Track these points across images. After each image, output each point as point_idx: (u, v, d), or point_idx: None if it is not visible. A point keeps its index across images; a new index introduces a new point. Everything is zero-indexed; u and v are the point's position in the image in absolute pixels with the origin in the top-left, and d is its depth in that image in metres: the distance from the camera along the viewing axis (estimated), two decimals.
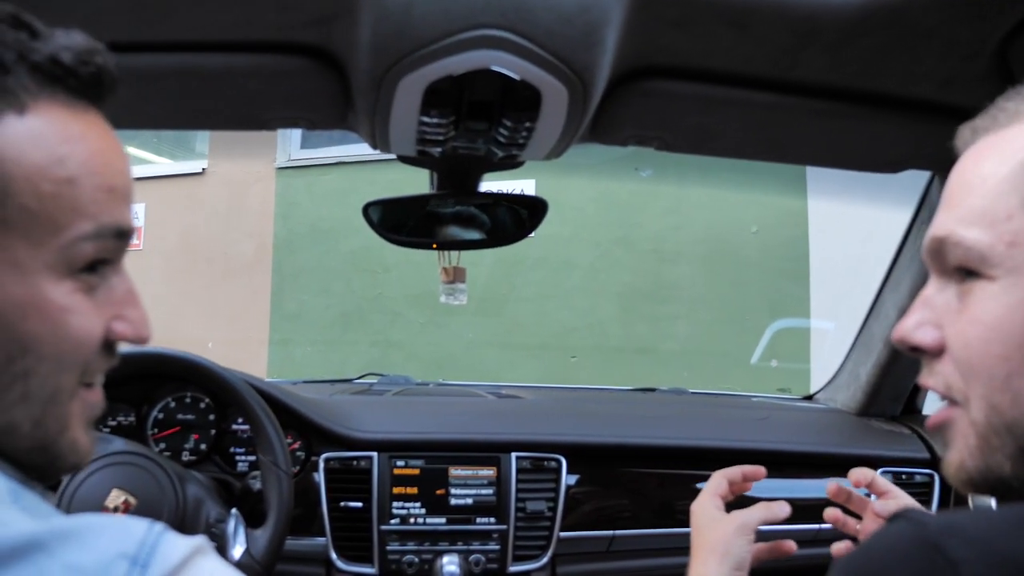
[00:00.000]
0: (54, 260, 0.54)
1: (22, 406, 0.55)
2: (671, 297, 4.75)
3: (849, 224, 3.87)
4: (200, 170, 6.21)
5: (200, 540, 0.55)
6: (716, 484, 1.08)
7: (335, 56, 0.92)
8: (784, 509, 1.03)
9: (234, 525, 1.21)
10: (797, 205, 4.27)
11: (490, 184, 1.25)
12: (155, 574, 0.50)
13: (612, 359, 4.81)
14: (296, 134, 5.83)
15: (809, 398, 1.88)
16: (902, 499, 1.02)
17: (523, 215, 1.29)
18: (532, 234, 1.32)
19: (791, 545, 1.07)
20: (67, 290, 0.55)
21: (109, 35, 0.87)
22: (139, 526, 0.52)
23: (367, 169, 5.22)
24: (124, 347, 0.62)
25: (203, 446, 1.46)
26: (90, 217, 0.55)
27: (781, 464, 1.53)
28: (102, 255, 0.57)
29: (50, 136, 0.54)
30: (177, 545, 0.52)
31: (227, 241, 6.06)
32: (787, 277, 4.39)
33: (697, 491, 1.52)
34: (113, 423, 1.44)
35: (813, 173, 3.97)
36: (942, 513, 0.50)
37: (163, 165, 6.55)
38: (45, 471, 0.60)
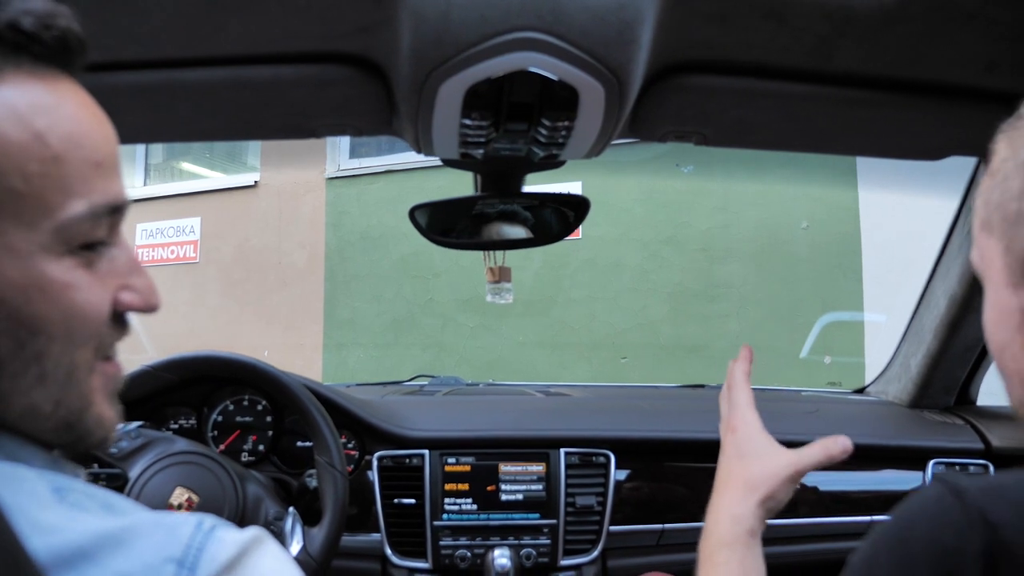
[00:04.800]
0: (50, 241, 0.52)
1: (40, 388, 0.54)
2: (722, 296, 4.72)
3: (902, 217, 3.80)
4: (252, 183, 6.34)
5: (253, 533, 0.55)
6: (750, 396, 0.95)
7: (378, 64, 0.94)
8: (845, 444, 0.90)
9: (291, 523, 1.24)
10: (848, 199, 4.22)
11: (536, 186, 1.26)
12: (204, 572, 0.50)
13: (663, 359, 4.80)
14: (345, 144, 5.93)
15: (860, 391, 1.86)
16: None
17: (566, 213, 1.30)
18: (579, 235, 1.33)
19: (846, 446, 0.90)
20: (67, 267, 0.53)
21: (163, 52, 0.92)
22: (187, 526, 0.52)
23: (415, 176, 5.30)
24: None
25: (261, 447, 1.51)
26: (82, 196, 0.53)
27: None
28: (98, 234, 0.55)
29: (23, 108, 0.51)
30: (226, 543, 0.52)
31: (280, 251, 6.19)
32: (839, 272, 4.34)
33: None
34: (175, 426, 1.49)
35: (864, 165, 3.91)
36: (979, 476, 0.50)
37: (217, 179, 6.72)
38: (74, 449, 0.59)
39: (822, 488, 1.53)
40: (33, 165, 0.51)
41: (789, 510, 1.51)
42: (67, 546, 0.48)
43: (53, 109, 0.52)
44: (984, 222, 0.62)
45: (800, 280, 4.48)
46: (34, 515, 0.49)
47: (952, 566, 0.46)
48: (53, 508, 0.51)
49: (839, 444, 0.89)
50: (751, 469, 0.88)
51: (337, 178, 5.96)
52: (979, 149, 1.14)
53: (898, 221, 3.86)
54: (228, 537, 0.53)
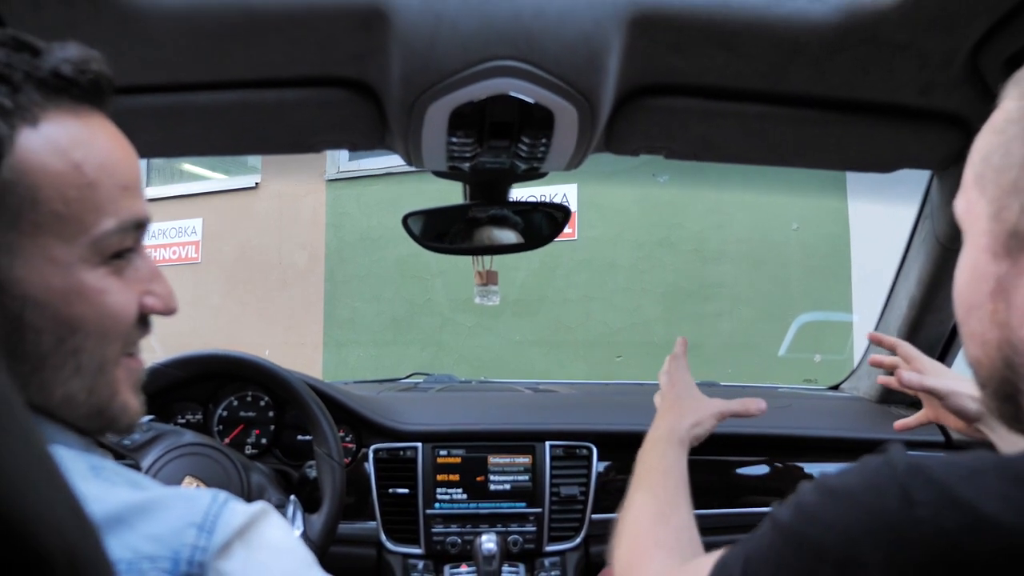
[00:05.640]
0: (86, 253, 0.60)
1: (76, 379, 0.62)
2: (714, 296, 4.79)
3: (890, 220, 3.88)
4: (254, 184, 6.40)
5: (260, 506, 0.64)
6: (687, 367, 1.25)
7: (371, 87, 1.03)
8: (760, 405, 1.14)
9: (293, 510, 1.33)
10: (837, 201, 4.29)
11: (533, 190, 1.34)
12: (220, 537, 0.59)
13: (657, 358, 4.81)
14: None
15: (835, 388, 1.95)
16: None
17: (555, 218, 1.38)
18: (575, 236, 1.41)
19: (760, 406, 1.15)
20: (101, 275, 0.61)
21: (176, 77, 1.01)
22: (205, 497, 0.61)
23: (413, 179, 5.37)
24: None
25: (263, 440, 1.59)
26: (112, 214, 0.61)
27: (801, 449, 1.61)
28: (126, 245, 0.63)
29: (64, 143, 0.59)
30: (238, 512, 0.61)
31: (281, 252, 6.25)
32: (828, 273, 4.41)
33: (723, 474, 1.62)
34: (182, 420, 1.58)
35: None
36: (917, 455, 0.56)
37: (218, 181, 6.78)
38: (103, 433, 0.68)
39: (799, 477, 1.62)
40: (72, 191, 0.59)
41: (780, 495, 1.60)
42: (107, 513, 0.57)
43: (88, 142, 0.61)
44: (978, 177, 0.60)
45: (790, 281, 4.56)
46: (77, 487, 0.57)
47: (867, 522, 0.52)
48: (91, 482, 0.59)
49: (756, 404, 1.15)
50: (687, 405, 1.13)
51: (337, 180, 6.03)
52: (927, 163, 1.23)
53: (886, 222, 3.93)
54: (239, 508, 0.62)
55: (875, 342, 1.27)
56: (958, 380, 1.13)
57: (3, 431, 0.30)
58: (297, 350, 5.92)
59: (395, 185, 5.64)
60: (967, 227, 0.62)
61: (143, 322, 0.68)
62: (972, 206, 0.60)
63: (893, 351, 1.24)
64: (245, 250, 6.40)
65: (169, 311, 0.68)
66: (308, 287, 6.09)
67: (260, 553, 0.61)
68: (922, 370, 1.17)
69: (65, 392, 0.63)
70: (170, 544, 0.57)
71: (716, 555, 0.65)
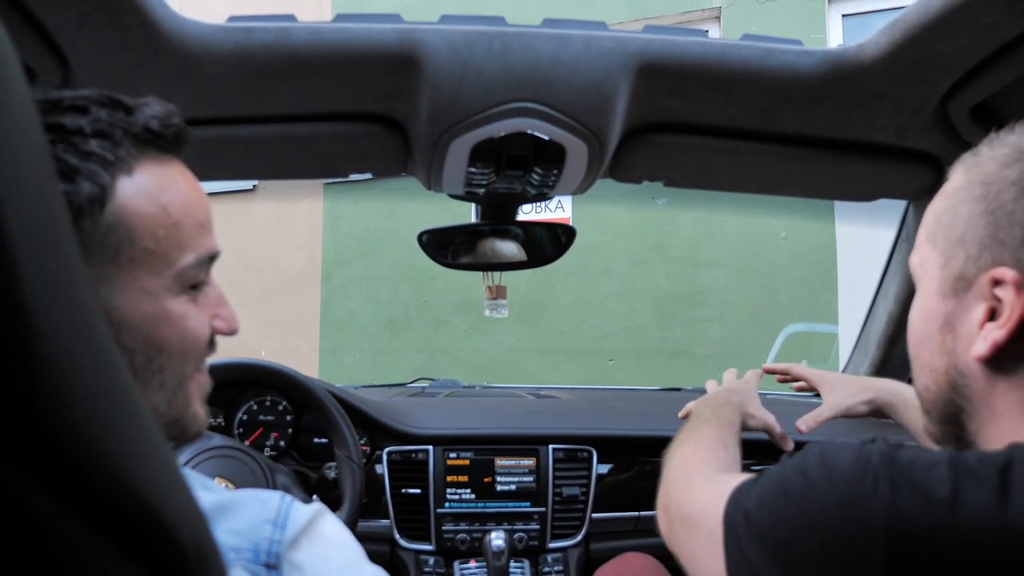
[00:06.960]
0: (171, 283, 0.68)
1: (160, 393, 0.69)
2: (705, 302, 4.88)
3: (875, 232, 3.98)
4: (251, 187, 6.43)
5: (318, 506, 0.74)
6: (758, 382, 1.37)
7: (400, 123, 1.13)
8: (790, 446, 1.26)
9: None
10: (824, 212, 4.38)
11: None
12: (290, 532, 0.69)
13: (648, 362, 4.95)
14: None
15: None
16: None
17: (560, 237, 1.47)
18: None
19: (789, 444, 1.27)
20: (182, 302, 0.69)
21: (224, 112, 1.11)
22: (275, 497, 0.71)
23: (412, 183, 5.43)
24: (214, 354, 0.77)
25: (282, 443, 1.68)
26: (192, 250, 0.69)
27: (781, 452, 1.71)
28: (201, 276, 0.71)
29: (154, 189, 0.66)
30: (302, 511, 0.72)
31: (278, 254, 6.28)
32: (816, 281, 4.50)
33: None
34: None
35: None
36: (894, 447, 0.67)
37: (216, 183, 6.80)
38: (177, 439, 0.76)
39: None
40: (161, 230, 0.67)
41: None
42: None
43: (172, 187, 0.69)
44: (930, 235, 0.72)
45: (779, 288, 4.66)
46: None
47: (843, 491, 0.62)
48: None
49: (788, 440, 1.27)
50: (755, 399, 1.28)
51: (334, 183, 6.07)
52: (903, 194, 1.34)
53: (870, 234, 4.03)
54: (303, 507, 0.73)
55: (768, 372, 1.42)
56: (844, 395, 1.28)
57: (144, 435, 0.37)
58: (294, 352, 5.97)
59: (391, 189, 5.69)
60: (920, 277, 0.74)
61: (211, 342, 0.76)
62: (924, 259, 0.73)
63: (787, 373, 1.40)
64: (242, 252, 6.43)
65: (232, 332, 0.77)
66: (305, 290, 6.13)
67: (322, 546, 0.72)
68: (815, 386, 1.35)
69: (150, 404, 0.71)
70: (250, 537, 0.67)
71: (743, 477, 0.75)
